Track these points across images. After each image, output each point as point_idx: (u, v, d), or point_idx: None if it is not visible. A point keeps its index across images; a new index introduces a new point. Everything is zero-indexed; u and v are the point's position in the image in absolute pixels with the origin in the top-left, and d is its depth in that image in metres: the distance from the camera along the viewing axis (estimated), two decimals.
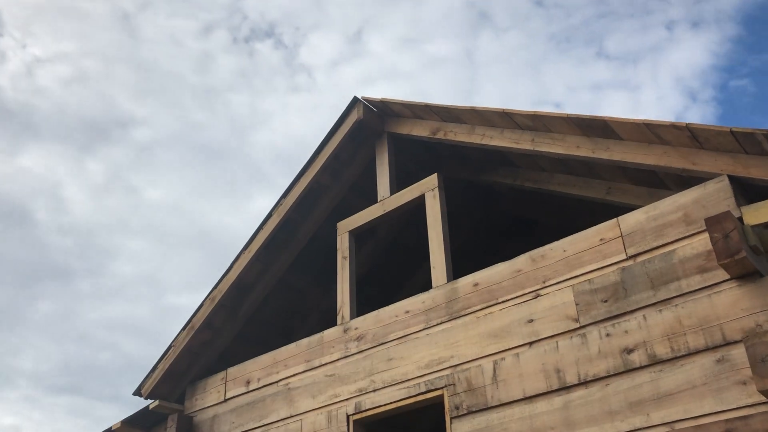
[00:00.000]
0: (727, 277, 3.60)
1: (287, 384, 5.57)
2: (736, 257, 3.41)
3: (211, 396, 6.16)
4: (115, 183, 33.41)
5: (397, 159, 6.18)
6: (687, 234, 3.85)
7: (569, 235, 4.42)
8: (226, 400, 6.01)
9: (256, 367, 5.92)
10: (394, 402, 4.77)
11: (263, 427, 5.57)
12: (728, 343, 3.49)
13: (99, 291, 32.70)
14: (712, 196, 3.85)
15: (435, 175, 5.44)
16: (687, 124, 3.82)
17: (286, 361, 5.69)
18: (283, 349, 5.79)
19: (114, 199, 33.15)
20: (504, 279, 4.56)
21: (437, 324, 4.79)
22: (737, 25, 31.53)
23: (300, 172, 6.08)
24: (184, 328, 6.33)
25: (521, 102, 38.39)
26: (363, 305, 6.31)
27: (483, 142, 5.17)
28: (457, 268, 5.95)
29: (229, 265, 6.25)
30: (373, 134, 6.04)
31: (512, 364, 4.28)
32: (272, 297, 6.59)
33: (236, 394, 5.94)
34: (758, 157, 3.71)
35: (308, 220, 6.26)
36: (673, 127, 3.89)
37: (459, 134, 5.36)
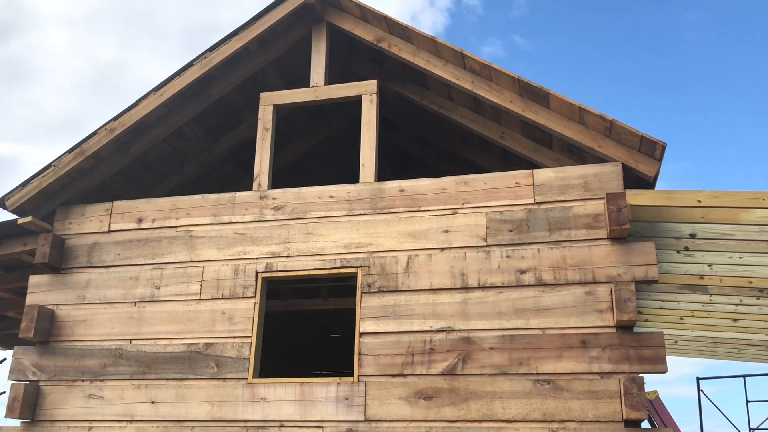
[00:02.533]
0: (605, 236, 5.03)
1: (189, 231, 5.94)
2: (623, 227, 4.83)
3: (91, 224, 6.21)
4: None
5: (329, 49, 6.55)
6: (583, 197, 5.19)
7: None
8: (110, 231, 6.14)
9: (150, 208, 6.13)
10: (308, 270, 5.55)
11: (157, 265, 5.91)
12: (596, 282, 4.95)
13: None
14: (607, 175, 5.20)
15: (375, 81, 6.05)
16: (612, 120, 5.06)
17: (189, 210, 6.01)
18: (185, 197, 6.08)
19: None
20: (429, 192, 5.52)
21: (360, 214, 5.60)
22: None
23: (233, 32, 6.16)
24: (70, 151, 6.17)
25: None
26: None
27: (426, 67, 5.90)
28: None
29: (135, 101, 6.18)
30: (313, 18, 6.33)
31: (424, 261, 5.33)
32: (162, 140, 6.66)
33: (124, 228, 6.11)
34: (647, 157, 5.12)
35: (224, 80, 6.39)
36: (600, 117, 5.11)
37: (403, 51, 5.99)
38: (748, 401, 12.06)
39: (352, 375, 5.28)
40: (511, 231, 5.25)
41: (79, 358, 5.78)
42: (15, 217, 6.19)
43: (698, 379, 12.50)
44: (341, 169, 8.74)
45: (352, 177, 8.65)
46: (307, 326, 11.03)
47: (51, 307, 5.98)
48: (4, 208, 6.18)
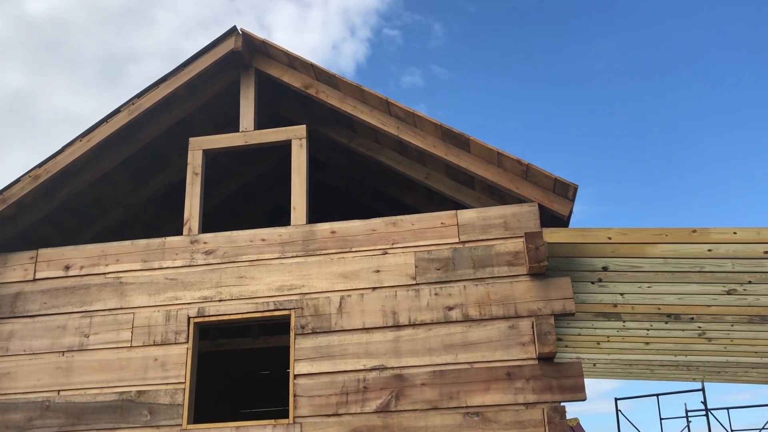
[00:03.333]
0: (525, 272, 5.35)
1: (119, 278, 5.91)
2: (541, 263, 5.16)
3: (15, 273, 6.08)
4: None
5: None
6: (504, 236, 5.51)
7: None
8: (35, 280, 6.03)
9: (77, 255, 6.06)
10: (241, 314, 5.62)
11: (85, 313, 5.83)
12: (518, 317, 5.25)
13: None
14: (525, 215, 5.55)
15: (304, 126, 6.23)
16: (528, 164, 5.42)
17: (118, 256, 5.98)
18: (115, 243, 6.05)
19: None
20: (360, 233, 5.71)
21: (292, 256, 5.73)
22: None
23: (161, 78, 6.24)
24: None
25: None
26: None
27: (353, 113, 6.13)
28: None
29: (61, 147, 6.13)
30: (240, 65, 6.48)
31: (357, 301, 5.51)
32: (89, 185, 6.61)
33: (51, 276, 6.01)
34: (561, 198, 5.50)
35: (153, 125, 6.44)
36: (518, 162, 5.46)
37: (330, 98, 6.21)
38: (661, 418, 12.76)
39: (287, 416, 5.35)
40: (438, 269, 5.50)
41: (3, 413, 5.61)
42: None
43: (616, 399, 13.12)
44: (269, 207, 8.86)
45: (280, 216, 8.78)
46: (236, 365, 10.94)
47: None
48: None
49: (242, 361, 10.78)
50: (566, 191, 5.44)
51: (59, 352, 5.73)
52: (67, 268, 6.02)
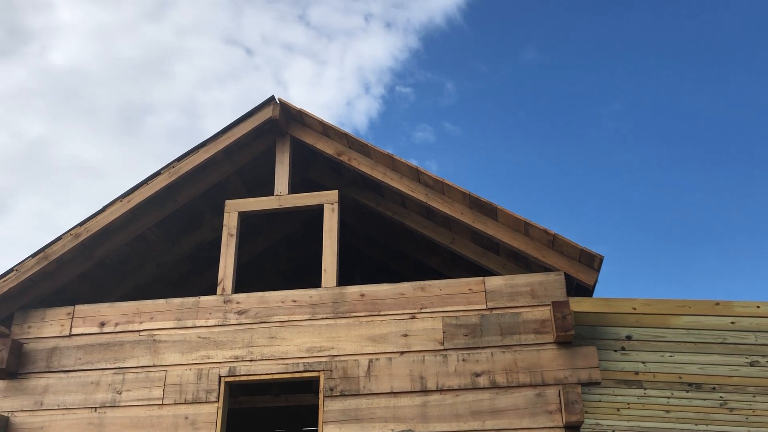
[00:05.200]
0: (552, 340, 5.47)
1: (152, 335, 6.06)
2: (568, 332, 5.28)
3: (52, 328, 6.24)
4: None
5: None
6: (531, 304, 5.64)
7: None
8: (71, 335, 6.19)
9: (113, 312, 6.23)
10: (271, 374, 5.73)
11: (118, 370, 5.97)
12: (545, 384, 5.34)
13: None
14: (552, 283, 5.70)
15: (336, 192, 6.46)
16: (555, 234, 5.60)
17: (153, 314, 6.15)
18: (149, 302, 6.22)
19: None
20: (388, 297, 5.87)
21: (322, 318, 5.88)
22: (418, 41, 37.18)
23: (201, 144, 6.52)
24: (34, 255, 6.27)
25: (210, 33, 39.29)
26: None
27: (383, 180, 6.37)
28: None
29: (102, 207, 6.38)
30: (276, 132, 6.76)
31: (385, 364, 5.62)
32: (124, 243, 6.82)
33: (86, 332, 6.17)
34: (586, 268, 5.66)
35: (190, 187, 6.69)
36: (545, 231, 5.64)
37: (362, 165, 6.46)
38: None
39: None
40: (466, 335, 5.62)
41: None
42: None
43: None
44: (294, 268, 9.04)
45: (304, 275, 8.95)
46: (253, 423, 10.94)
47: (6, 414, 5.91)
48: None
49: (259, 419, 10.78)
50: (592, 261, 5.59)
51: (92, 407, 5.84)
52: (102, 324, 6.19)
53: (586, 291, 5.74)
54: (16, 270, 6.22)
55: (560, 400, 5.24)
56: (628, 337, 5.87)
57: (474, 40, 37.14)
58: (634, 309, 5.41)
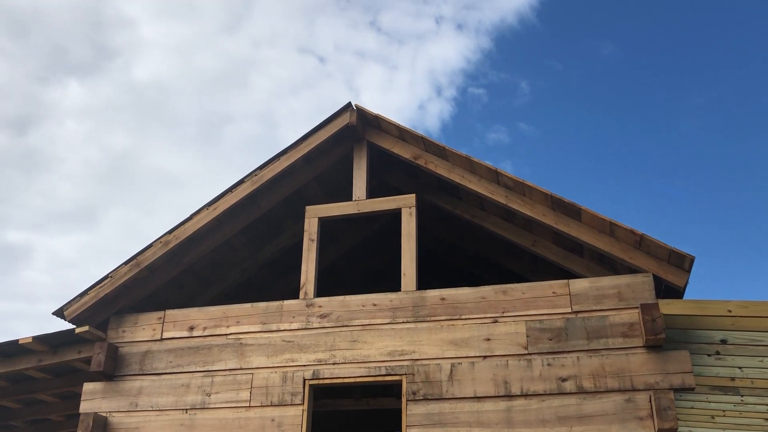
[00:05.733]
0: (641, 344, 5.28)
1: (239, 339, 6.22)
2: (658, 336, 5.09)
3: (144, 332, 6.51)
4: None
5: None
6: (618, 307, 5.47)
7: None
8: (162, 339, 6.43)
9: (201, 316, 6.44)
10: (354, 377, 5.78)
11: (207, 373, 6.16)
12: (635, 390, 5.16)
13: None
14: (640, 285, 5.51)
15: (413, 195, 6.47)
16: (642, 234, 5.41)
17: (239, 318, 6.31)
18: (235, 306, 6.40)
19: None
20: (469, 301, 5.81)
21: (403, 322, 5.89)
22: (491, 41, 36.64)
23: (282, 151, 6.66)
24: (127, 263, 6.55)
25: (284, 44, 39.89)
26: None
27: (461, 182, 6.32)
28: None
29: (189, 215, 6.61)
30: (354, 138, 6.83)
31: (467, 368, 5.57)
32: (211, 250, 7.04)
33: (176, 336, 6.40)
34: (676, 269, 5.44)
35: (272, 194, 6.84)
36: (631, 232, 5.46)
37: (439, 168, 6.44)
38: None
39: None
40: (550, 339, 5.50)
41: None
42: (72, 326, 6.51)
43: None
44: (372, 272, 9.09)
45: (383, 280, 8.99)
46: (333, 427, 11.06)
47: (104, 414, 6.20)
48: (63, 317, 6.51)
49: (341, 423, 10.89)
50: (682, 262, 5.37)
51: (183, 409, 6.05)
52: (192, 328, 6.40)
53: (675, 293, 5.52)
54: (111, 276, 6.52)
55: (651, 406, 5.05)
56: (723, 341, 5.60)
57: (548, 38, 36.50)
58: (730, 311, 5.16)
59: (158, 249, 6.55)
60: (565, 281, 5.70)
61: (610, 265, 6.07)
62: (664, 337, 5.13)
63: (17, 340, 6.48)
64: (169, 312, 6.55)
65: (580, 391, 5.27)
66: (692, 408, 7.86)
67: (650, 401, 5.08)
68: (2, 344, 6.55)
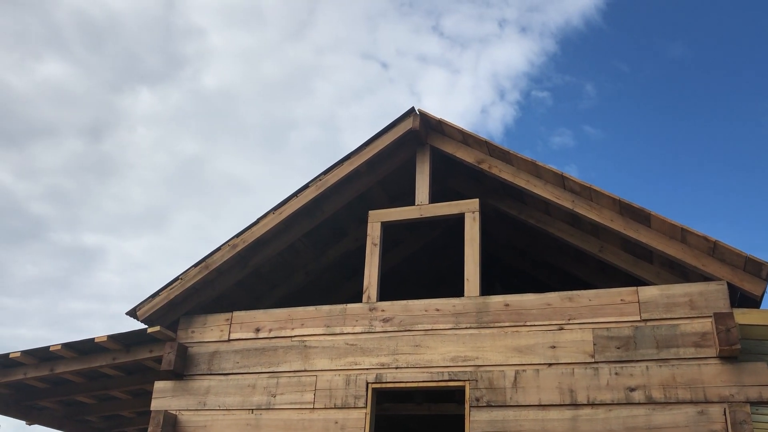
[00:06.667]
0: (714, 355, 5.09)
1: (303, 341, 6.31)
2: (733, 347, 4.90)
3: (212, 333, 6.68)
4: None
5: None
6: (690, 315, 5.30)
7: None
8: (229, 340, 6.58)
9: (267, 318, 6.56)
10: (416, 382, 5.78)
11: (272, 374, 6.27)
12: (708, 402, 4.99)
13: None
14: (713, 294, 5.32)
15: (477, 200, 6.43)
16: (715, 240, 5.23)
17: (303, 320, 6.41)
18: (300, 308, 6.49)
19: None
20: (534, 307, 5.74)
21: (466, 328, 5.85)
22: (555, 44, 35.93)
23: (345, 156, 6.73)
24: (196, 265, 6.74)
25: (347, 50, 40.03)
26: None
27: (526, 187, 6.25)
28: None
29: (256, 219, 6.75)
30: (417, 142, 6.84)
31: (532, 376, 5.49)
32: (276, 253, 7.17)
33: (243, 337, 6.54)
34: (752, 277, 5.23)
35: (336, 199, 6.92)
36: (704, 238, 5.28)
37: (503, 172, 6.38)
38: None
39: None
40: (618, 348, 5.37)
41: None
42: (143, 326, 6.74)
43: None
44: (435, 277, 9.08)
45: (445, 285, 8.97)
46: (395, 431, 11.07)
47: (174, 412, 6.38)
48: (135, 317, 6.74)
49: (402, 427, 10.89)
50: (759, 270, 5.16)
51: (249, 409, 6.17)
52: (258, 330, 6.53)
53: (752, 302, 5.30)
54: (181, 279, 6.72)
55: (726, 419, 4.86)
56: None
57: (614, 40, 35.69)
58: None
59: (226, 252, 6.71)
60: (634, 288, 5.56)
61: (682, 273, 5.88)
62: (740, 348, 4.93)
63: (93, 339, 6.75)
64: (236, 314, 6.70)
65: (650, 402, 5.12)
66: None
67: (725, 414, 4.89)
68: (79, 342, 6.83)
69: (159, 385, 6.58)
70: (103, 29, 37.56)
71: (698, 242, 5.38)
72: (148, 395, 7.31)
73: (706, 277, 5.46)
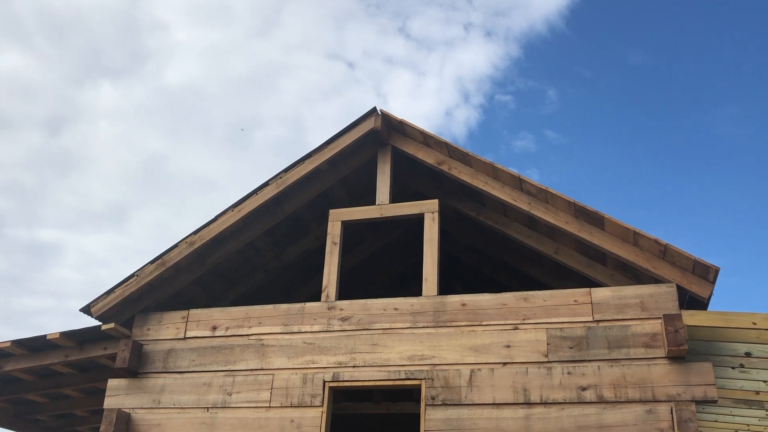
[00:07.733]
0: (663, 355, 5.23)
1: (260, 340, 6.29)
2: (681, 347, 5.04)
3: (168, 330, 6.61)
4: None
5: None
6: (641, 317, 5.43)
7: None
8: (185, 338, 6.52)
9: (224, 316, 6.51)
10: (373, 381, 5.81)
11: (229, 372, 6.23)
12: (656, 401, 5.12)
13: None
14: (663, 296, 5.46)
15: (437, 201, 6.49)
16: (666, 244, 5.37)
17: (261, 319, 6.38)
18: (257, 307, 6.47)
19: None
20: (490, 307, 5.81)
21: (423, 327, 5.90)
22: (519, 48, 36.49)
23: (307, 155, 6.72)
24: (153, 262, 6.65)
25: (314, 49, 39.95)
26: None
27: (484, 188, 6.33)
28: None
29: (214, 216, 6.69)
30: (378, 143, 6.87)
31: (487, 375, 5.57)
32: (235, 251, 7.12)
33: (199, 335, 6.49)
34: (700, 280, 5.38)
35: (296, 197, 6.90)
36: (655, 241, 5.42)
37: (462, 174, 6.45)
38: None
39: None
40: (571, 348, 5.48)
41: None
42: (98, 323, 6.63)
43: None
44: (395, 276, 9.12)
45: (405, 285, 9.02)
46: (353, 430, 11.09)
47: (127, 410, 6.30)
48: (89, 314, 6.63)
49: (360, 426, 10.92)
50: (707, 273, 5.32)
51: (204, 408, 6.12)
52: (214, 328, 6.48)
53: (700, 304, 5.46)
54: (137, 275, 6.63)
55: (673, 417, 5.00)
56: (748, 354, 5.53)
57: (577, 46, 36.30)
58: (755, 324, 5.10)
59: (183, 249, 6.65)
60: (587, 290, 5.68)
61: (634, 275, 6.02)
62: (687, 349, 5.07)
63: (45, 336, 6.62)
64: (192, 311, 6.64)
65: (601, 401, 5.23)
66: (716, 421, 7.75)
67: (671, 413, 5.03)
68: (30, 339, 6.69)
69: (113, 383, 6.48)
70: (65, 21, 36.80)
71: (650, 245, 5.52)
72: (101, 393, 7.20)
73: (657, 280, 5.61)
